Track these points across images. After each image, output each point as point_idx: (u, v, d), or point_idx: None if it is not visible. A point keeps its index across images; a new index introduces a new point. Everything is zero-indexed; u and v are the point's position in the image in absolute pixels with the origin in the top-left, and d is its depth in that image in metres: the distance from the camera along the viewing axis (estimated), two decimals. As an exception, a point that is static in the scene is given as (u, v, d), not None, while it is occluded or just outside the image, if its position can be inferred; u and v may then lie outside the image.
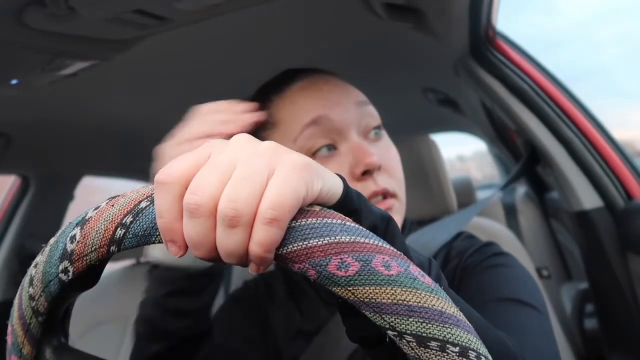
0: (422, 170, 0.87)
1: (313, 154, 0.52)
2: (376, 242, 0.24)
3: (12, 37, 0.57)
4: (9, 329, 0.30)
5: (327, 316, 0.56)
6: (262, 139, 0.58)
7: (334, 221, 0.25)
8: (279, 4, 0.64)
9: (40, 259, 0.29)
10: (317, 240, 0.24)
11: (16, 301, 0.30)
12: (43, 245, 0.29)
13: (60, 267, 0.27)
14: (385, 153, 0.55)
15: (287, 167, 0.25)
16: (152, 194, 0.26)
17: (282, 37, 0.87)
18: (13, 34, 0.56)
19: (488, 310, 0.46)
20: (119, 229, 0.26)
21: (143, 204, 0.26)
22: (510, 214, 1.52)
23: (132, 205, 0.26)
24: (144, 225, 0.26)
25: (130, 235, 0.26)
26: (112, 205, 0.27)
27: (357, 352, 0.53)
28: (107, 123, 1.16)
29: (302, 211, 0.25)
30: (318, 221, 0.24)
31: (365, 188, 0.51)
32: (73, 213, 1.44)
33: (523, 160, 1.12)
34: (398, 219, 0.53)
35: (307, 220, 0.24)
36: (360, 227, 0.25)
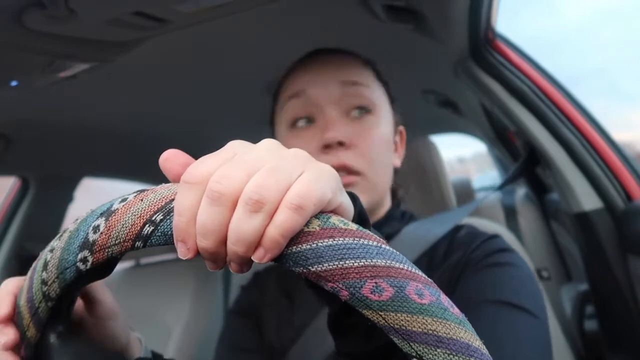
0: (421, 171, 0.87)
1: (294, 124, 0.59)
2: (410, 269, 0.24)
3: (12, 38, 0.57)
4: (15, 309, 0.30)
5: (317, 311, 0.57)
6: (273, 110, 0.64)
7: (371, 243, 0.24)
8: (279, 6, 0.64)
9: (57, 244, 0.28)
10: (353, 261, 0.24)
11: (26, 283, 0.29)
12: (61, 230, 0.29)
13: (79, 256, 0.27)
14: (362, 132, 0.57)
15: (317, 170, 0.25)
16: None
17: (281, 38, 0.87)
18: (13, 35, 0.56)
19: (482, 311, 0.45)
20: (147, 225, 0.25)
21: (174, 204, 0.25)
22: (510, 216, 1.52)
23: (163, 202, 0.26)
24: None
25: (159, 234, 0.26)
26: (141, 200, 0.26)
27: None
28: (107, 124, 1.16)
29: (339, 229, 0.24)
30: (355, 242, 0.24)
31: (327, 160, 0.54)
32: (73, 214, 1.44)
33: (521, 160, 1.12)
34: (363, 197, 0.55)
35: (345, 239, 0.24)
36: (395, 251, 0.25)
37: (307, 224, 0.24)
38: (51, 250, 0.28)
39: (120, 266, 1.46)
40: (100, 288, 0.37)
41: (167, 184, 0.27)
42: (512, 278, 0.50)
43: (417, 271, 0.25)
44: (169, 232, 0.25)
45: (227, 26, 0.76)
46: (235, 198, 0.23)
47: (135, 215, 0.26)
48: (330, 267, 0.24)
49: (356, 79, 0.59)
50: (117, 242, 0.26)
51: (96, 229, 0.26)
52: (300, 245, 0.24)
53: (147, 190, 0.27)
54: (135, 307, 1.29)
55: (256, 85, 0.63)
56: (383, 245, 0.25)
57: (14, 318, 0.30)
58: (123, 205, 0.26)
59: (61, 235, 0.28)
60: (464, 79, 1.04)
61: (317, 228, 0.24)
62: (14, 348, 0.30)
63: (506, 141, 1.55)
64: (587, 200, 0.93)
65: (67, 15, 0.53)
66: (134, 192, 0.27)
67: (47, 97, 0.90)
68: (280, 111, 0.61)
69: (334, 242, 0.24)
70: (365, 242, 0.24)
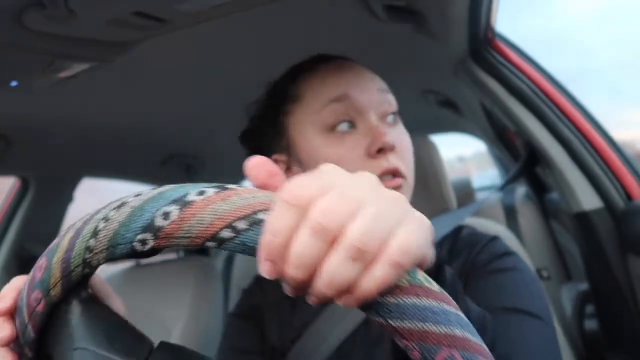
0: (421, 171, 0.87)
1: (333, 128, 0.56)
2: (480, 343, 0.25)
3: (11, 38, 0.57)
4: (43, 262, 0.29)
5: (317, 312, 0.58)
6: (284, 111, 0.60)
7: (450, 309, 0.24)
8: (279, 6, 0.64)
9: (114, 215, 0.26)
10: (434, 326, 0.23)
11: (65, 242, 0.28)
12: (119, 200, 0.27)
13: (139, 237, 0.25)
14: (400, 137, 0.58)
15: (418, 223, 0.25)
16: (270, 207, 0.25)
17: (282, 39, 0.87)
18: (13, 35, 0.56)
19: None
20: (227, 229, 0.24)
21: (261, 215, 0.24)
22: (510, 215, 1.52)
23: (249, 211, 0.24)
24: (258, 240, 0.24)
25: (238, 242, 0.24)
26: (223, 200, 0.25)
27: (343, 346, 0.54)
28: (107, 125, 1.16)
29: (425, 288, 0.24)
30: (437, 305, 0.24)
31: (378, 165, 0.54)
32: (73, 214, 1.44)
33: (521, 161, 1.12)
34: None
35: (429, 300, 0.24)
36: (469, 321, 0.25)
37: None
38: (105, 220, 0.26)
39: (121, 266, 1.45)
40: (109, 291, 0.37)
41: (251, 188, 0.26)
42: (517, 283, 0.51)
43: (484, 346, 0.25)
44: (251, 245, 0.24)
45: (227, 26, 0.76)
46: (337, 235, 0.23)
47: (214, 214, 0.24)
48: (410, 326, 0.23)
49: (385, 86, 0.61)
50: (187, 235, 0.25)
51: (166, 215, 0.25)
52: (386, 298, 0.24)
53: (229, 189, 0.26)
54: (136, 307, 1.29)
55: (256, 86, 0.62)
56: (460, 313, 0.25)
57: (40, 272, 0.29)
58: (201, 200, 0.25)
59: (120, 207, 0.27)
60: (464, 79, 1.04)
61: (406, 283, 0.24)
62: (11, 344, 0.30)
63: (506, 141, 1.55)
64: (587, 199, 0.93)
65: (67, 15, 0.53)
66: (213, 187, 0.26)
67: (47, 97, 0.90)
68: (311, 113, 0.57)
69: (419, 301, 0.24)
70: (447, 308, 0.24)
